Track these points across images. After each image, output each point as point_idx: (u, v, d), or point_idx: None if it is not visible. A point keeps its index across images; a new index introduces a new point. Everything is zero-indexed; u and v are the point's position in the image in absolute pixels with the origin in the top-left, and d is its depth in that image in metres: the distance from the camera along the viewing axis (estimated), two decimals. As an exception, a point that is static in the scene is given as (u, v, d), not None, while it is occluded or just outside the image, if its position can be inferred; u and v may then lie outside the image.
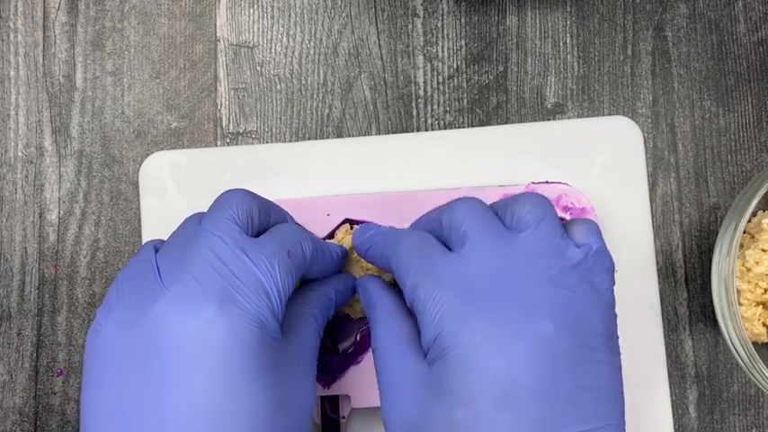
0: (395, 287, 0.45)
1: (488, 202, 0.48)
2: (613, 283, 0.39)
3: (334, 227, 0.49)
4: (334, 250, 0.46)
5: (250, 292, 0.38)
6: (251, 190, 0.43)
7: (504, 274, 0.37)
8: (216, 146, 0.53)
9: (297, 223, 0.47)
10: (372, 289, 0.44)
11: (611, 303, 0.39)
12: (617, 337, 0.39)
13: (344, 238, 0.48)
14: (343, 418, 0.49)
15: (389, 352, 0.40)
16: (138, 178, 0.53)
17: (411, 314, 0.41)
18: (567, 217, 0.48)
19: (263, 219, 0.42)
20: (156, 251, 0.40)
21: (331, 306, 0.45)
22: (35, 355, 0.52)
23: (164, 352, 0.36)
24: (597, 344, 0.37)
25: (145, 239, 0.52)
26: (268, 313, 0.38)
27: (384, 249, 0.43)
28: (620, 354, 0.38)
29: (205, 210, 0.42)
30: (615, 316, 0.39)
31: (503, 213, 0.40)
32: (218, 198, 0.42)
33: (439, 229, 0.41)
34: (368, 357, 0.48)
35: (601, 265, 0.39)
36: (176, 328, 0.36)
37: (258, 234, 0.42)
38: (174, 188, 0.52)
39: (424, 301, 0.38)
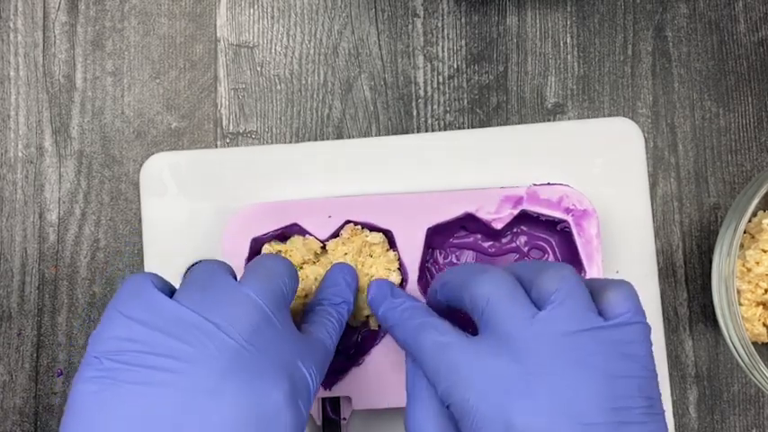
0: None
1: (491, 204, 0.48)
2: (650, 340, 0.37)
3: (335, 228, 0.49)
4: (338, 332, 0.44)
5: (305, 395, 0.36)
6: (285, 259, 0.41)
7: (532, 364, 0.36)
8: (216, 146, 0.53)
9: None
10: (410, 368, 0.42)
11: (649, 365, 0.37)
12: (657, 398, 0.37)
13: (350, 238, 0.49)
14: (344, 419, 0.49)
15: None
16: (138, 178, 0.53)
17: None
18: (569, 218, 0.48)
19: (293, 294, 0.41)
20: (157, 287, 0.36)
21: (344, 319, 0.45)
22: (35, 355, 0.52)
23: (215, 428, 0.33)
24: (636, 416, 0.35)
25: (145, 240, 0.52)
26: (305, 421, 0.37)
27: (406, 337, 0.41)
28: (662, 414, 0.37)
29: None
30: (654, 377, 0.37)
31: (529, 285, 0.39)
32: (260, 264, 0.40)
33: (462, 301, 0.40)
34: (369, 359, 0.48)
35: (636, 333, 0.37)
36: (237, 401, 0.34)
37: None
38: (174, 189, 0.52)
39: (458, 409, 0.37)
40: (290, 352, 0.37)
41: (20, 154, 0.53)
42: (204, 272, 0.38)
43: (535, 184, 0.49)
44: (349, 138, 0.53)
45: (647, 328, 0.37)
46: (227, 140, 0.53)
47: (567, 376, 0.35)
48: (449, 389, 0.37)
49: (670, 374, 0.51)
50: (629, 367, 0.36)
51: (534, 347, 0.36)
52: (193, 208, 0.52)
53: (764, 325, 0.48)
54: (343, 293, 0.45)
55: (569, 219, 0.48)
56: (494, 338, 0.37)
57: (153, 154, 0.53)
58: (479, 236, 0.51)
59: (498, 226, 0.49)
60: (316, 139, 0.53)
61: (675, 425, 0.51)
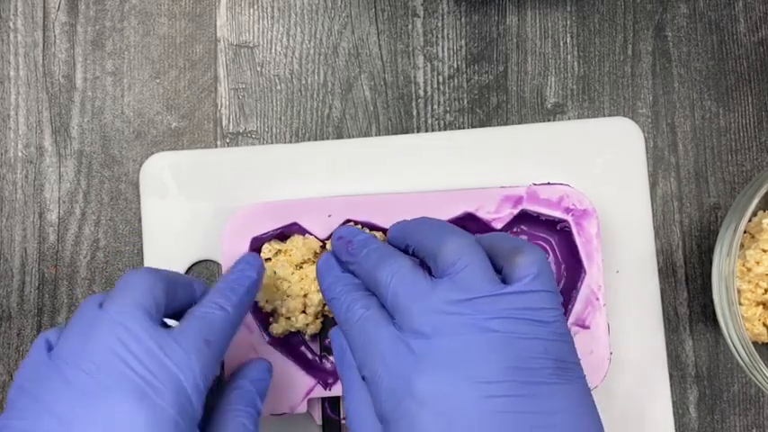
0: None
1: (491, 203, 0.48)
2: (559, 308, 0.38)
3: (335, 227, 0.49)
4: (246, 303, 0.43)
5: (166, 390, 0.36)
6: (154, 267, 0.41)
7: (431, 332, 0.37)
8: (216, 146, 0.53)
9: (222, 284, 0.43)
10: (337, 345, 0.43)
11: (559, 330, 0.38)
12: (573, 362, 0.38)
13: None
14: (344, 419, 0.49)
15: (353, 420, 0.40)
16: (138, 178, 0.53)
17: None
18: (569, 218, 0.48)
19: (172, 298, 0.40)
20: (50, 345, 0.38)
21: (255, 400, 0.43)
22: (35, 355, 0.52)
23: None
24: (543, 376, 0.36)
25: (146, 240, 0.52)
26: (184, 415, 0.36)
27: (338, 311, 0.42)
28: (582, 377, 0.38)
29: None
30: (568, 341, 0.38)
31: (432, 260, 0.40)
32: (120, 281, 0.40)
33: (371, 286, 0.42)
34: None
35: (540, 295, 0.38)
36: (85, 426, 0.34)
37: (172, 315, 0.40)
38: (174, 189, 0.52)
39: (369, 381, 0.39)
40: (149, 353, 0.37)
41: (20, 154, 0.53)
42: (79, 309, 0.39)
43: (535, 184, 0.49)
44: (349, 138, 0.53)
45: (551, 296, 0.38)
46: (227, 140, 0.53)
47: (465, 340, 0.36)
48: (363, 360, 0.39)
49: (670, 374, 0.51)
50: (532, 330, 0.37)
51: (432, 316, 0.37)
52: (193, 208, 0.52)
53: (764, 325, 0.48)
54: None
55: (569, 218, 0.48)
56: (398, 314, 0.39)
57: (153, 154, 0.53)
58: (479, 235, 0.51)
59: (498, 225, 0.49)
60: (316, 139, 0.53)
61: (676, 425, 0.51)
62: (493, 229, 0.49)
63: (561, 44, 0.54)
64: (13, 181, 0.53)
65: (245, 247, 0.49)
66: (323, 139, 0.53)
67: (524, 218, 0.49)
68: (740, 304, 0.47)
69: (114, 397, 0.35)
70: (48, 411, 0.35)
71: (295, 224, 0.49)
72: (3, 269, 0.53)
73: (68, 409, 0.35)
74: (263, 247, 0.49)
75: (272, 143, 0.53)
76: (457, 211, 0.49)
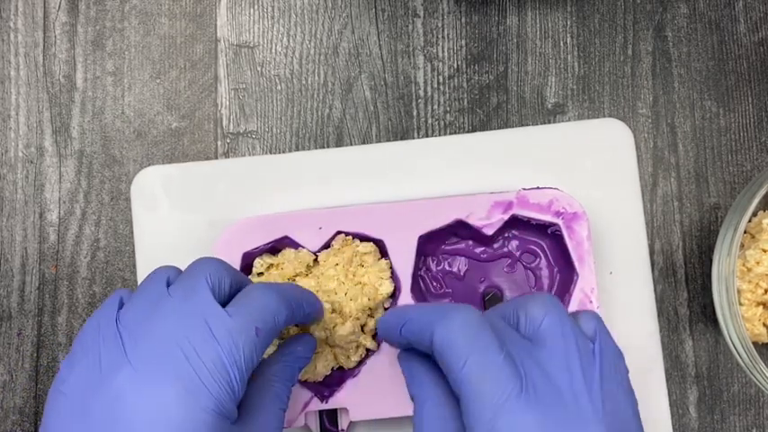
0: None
1: (481, 209, 0.48)
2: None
3: (326, 239, 0.49)
4: (314, 303, 0.45)
5: (212, 376, 0.36)
6: (224, 261, 0.41)
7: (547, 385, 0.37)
8: (216, 146, 0.53)
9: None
10: (416, 368, 0.42)
11: (629, 383, 0.39)
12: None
13: (341, 249, 0.48)
14: (343, 430, 0.49)
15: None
16: (137, 179, 0.53)
17: (452, 394, 0.39)
18: (560, 222, 0.48)
19: (234, 289, 0.41)
20: (122, 303, 0.39)
21: (295, 375, 0.44)
22: (35, 355, 0.52)
23: (119, 426, 0.35)
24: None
25: (138, 254, 0.52)
26: (227, 398, 0.37)
27: (422, 329, 0.40)
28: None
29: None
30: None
31: (514, 318, 0.39)
32: (191, 266, 0.40)
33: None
34: (365, 370, 0.48)
35: (614, 350, 0.39)
36: (135, 406, 0.35)
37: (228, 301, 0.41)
38: (165, 202, 0.52)
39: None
40: (202, 337, 0.37)
41: (20, 154, 0.54)
42: (149, 280, 0.40)
43: (525, 189, 0.49)
44: (349, 138, 0.53)
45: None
46: (228, 140, 0.53)
47: (575, 397, 0.37)
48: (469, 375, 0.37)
49: (670, 374, 0.51)
50: (620, 379, 0.40)
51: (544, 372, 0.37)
52: (186, 221, 0.51)
53: (764, 325, 0.48)
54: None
55: (560, 222, 0.48)
56: None
57: (153, 155, 0.53)
58: (471, 242, 0.51)
59: (489, 231, 0.48)
60: (315, 140, 0.53)
61: (676, 425, 0.51)
62: (484, 236, 0.49)
63: (561, 44, 0.54)
64: (13, 181, 0.53)
65: (236, 262, 0.48)
66: (323, 139, 0.53)
67: (515, 223, 0.49)
68: (740, 304, 0.47)
69: (166, 380, 0.36)
70: (107, 379, 0.36)
71: (286, 237, 0.49)
72: (3, 269, 0.53)
73: (124, 383, 0.36)
74: (255, 261, 0.49)
75: (272, 143, 0.53)
76: (447, 219, 0.48)
